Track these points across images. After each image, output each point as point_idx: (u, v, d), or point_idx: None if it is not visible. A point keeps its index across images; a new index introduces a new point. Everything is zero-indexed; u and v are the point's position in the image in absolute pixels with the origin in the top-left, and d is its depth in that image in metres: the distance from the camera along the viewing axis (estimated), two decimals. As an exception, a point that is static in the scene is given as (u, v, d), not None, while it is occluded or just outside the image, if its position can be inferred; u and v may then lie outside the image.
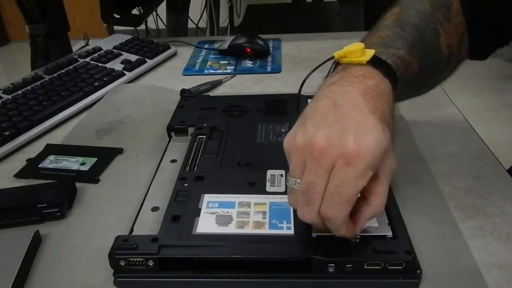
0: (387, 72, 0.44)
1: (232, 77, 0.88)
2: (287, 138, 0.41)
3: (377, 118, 0.39)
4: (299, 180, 0.39)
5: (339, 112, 0.39)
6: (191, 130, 0.63)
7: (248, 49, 0.96)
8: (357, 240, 0.42)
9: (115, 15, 1.15)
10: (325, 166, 0.38)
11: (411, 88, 0.52)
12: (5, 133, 0.67)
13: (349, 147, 0.37)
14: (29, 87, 0.80)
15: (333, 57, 0.46)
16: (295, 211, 0.45)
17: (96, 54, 0.94)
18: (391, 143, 0.40)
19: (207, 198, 0.48)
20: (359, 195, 0.39)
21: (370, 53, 0.44)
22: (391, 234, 0.43)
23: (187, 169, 0.54)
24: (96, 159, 0.62)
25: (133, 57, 0.93)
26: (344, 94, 0.41)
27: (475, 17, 0.53)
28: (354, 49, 0.44)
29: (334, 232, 0.40)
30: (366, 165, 0.37)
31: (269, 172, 0.52)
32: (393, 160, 0.40)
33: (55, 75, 0.85)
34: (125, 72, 0.87)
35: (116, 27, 1.53)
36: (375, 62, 0.44)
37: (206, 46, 1.04)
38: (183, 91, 0.79)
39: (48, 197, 0.52)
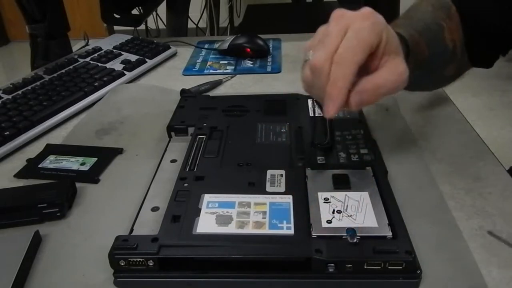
0: (401, 39, 0.48)
1: (232, 77, 0.88)
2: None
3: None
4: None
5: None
6: (191, 130, 0.63)
7: (248, 49, 0.96)
8: (357, 241, 0.42)
9: (115, 15, 1.15)
10: (341, 24, 0.42)
11: (421, 74, 0.55)
12: (5, 133, 0.67)
13: (362, 11, 0.43)
14: (29, 87, 0.80)
15: None
16: (295, 211, 0.46)
17: (96, 54, 0.94)
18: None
19: (207, 198, 0.48)
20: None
21: None
22: (390, 234, 0.43)
23: (187, 169, 0.54)
24: (96, 159, 0.62)
25: (133, 57, 0.93)
26: None
27: (471, 27, 0.58)
28: None
29: (331, 86, 0.41)
30: (376, 21, 0.42)
31: (269, 172, 0.52)
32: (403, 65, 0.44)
33: (55, 75, 0.85)
34: (125, 72, 0.87)
35: (116, 27, 1.52)
36: None
37: (206, 46, 1.04)
38: (183, 91, 0.79)
39: (48, 197, 0.52)
